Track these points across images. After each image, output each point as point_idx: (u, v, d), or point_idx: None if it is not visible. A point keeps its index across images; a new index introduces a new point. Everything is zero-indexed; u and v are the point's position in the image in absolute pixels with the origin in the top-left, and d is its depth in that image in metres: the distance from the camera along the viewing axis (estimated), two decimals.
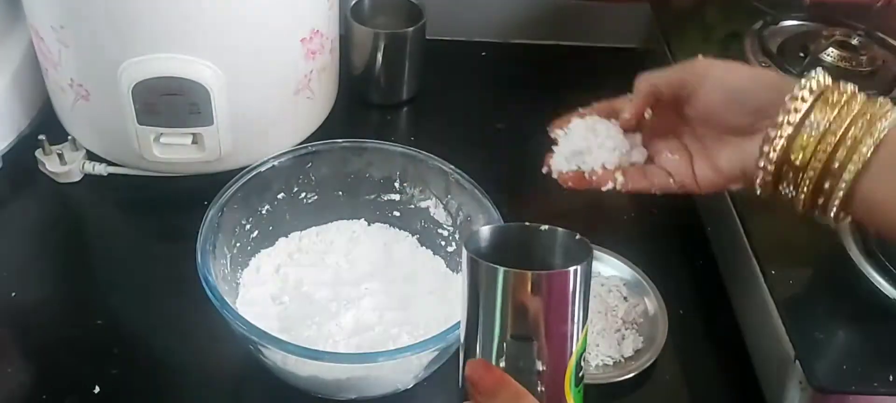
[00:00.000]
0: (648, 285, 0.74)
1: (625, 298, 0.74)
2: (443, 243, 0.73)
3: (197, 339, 0.68)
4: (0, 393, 0.64)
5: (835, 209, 0.48)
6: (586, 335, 0.44)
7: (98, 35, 0.72)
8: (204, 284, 0.58)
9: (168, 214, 0.81)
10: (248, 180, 0.67)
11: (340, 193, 0.73)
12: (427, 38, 0.95)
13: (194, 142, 0.77)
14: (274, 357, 0.59)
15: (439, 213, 0.72)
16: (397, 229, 0.74)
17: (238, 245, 0.68)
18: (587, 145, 0.59)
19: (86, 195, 0.82)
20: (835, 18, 0.97)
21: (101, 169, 0.81)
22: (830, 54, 0.89)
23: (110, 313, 0.70)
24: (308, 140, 0.85)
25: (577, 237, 0.46)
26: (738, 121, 0.52)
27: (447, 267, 0.72)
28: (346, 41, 0.93)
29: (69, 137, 0.81)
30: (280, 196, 0.70)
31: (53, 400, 0.63)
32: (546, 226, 0.47)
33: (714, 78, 0.53)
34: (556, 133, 0.60)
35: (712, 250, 0.79)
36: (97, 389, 0.64)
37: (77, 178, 0.82)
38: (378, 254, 0.73)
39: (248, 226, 0.69)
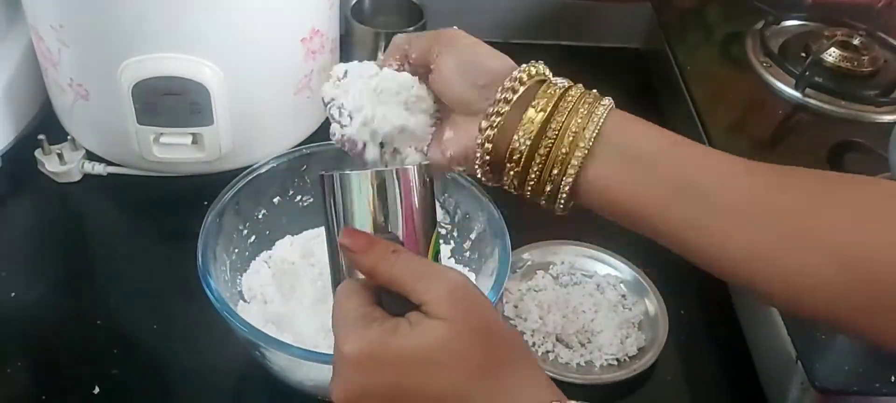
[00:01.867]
0: (648, 285, 0.74)
1: (624, 298, 0.74)
2: (441, 241, 0.73)
3: (197, 339, 0.68)
4: (0, 393, 0.64)
5: (564, 198, 0.48)
6: (437, 239, 0.47)
7: (98, 35, 0.72)
8: (205, 288, 0.58)
9: (168, 214, 0.81)
10: (244, 184, 0.67)
11: None
12: None
13: (194, 142, 0.77)
14: (274, 358, 0.59)
15: (437, 212, 0.72)
16: None
17: (237, 250, 0.68)
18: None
19: (85, 195, 0.81)
20: (836, 18, 0.97)
21: (100, 169, 0.81)
22: (832, 54, 0.89)
23: (110, 313, 0.70)
24: (308, 140, 0.85)
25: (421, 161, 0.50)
26: (467, 96, 0.50)
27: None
28: (346, 41, 0.93)
29: (69, 137, 0.81)
30: (275, 200, 0.70)
31: (53, 400, 0.63)
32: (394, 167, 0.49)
33: (457, 48, 0.51)
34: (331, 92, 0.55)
35: None
36: (97, 389, 0.64)
37: (77, 178, 0.81)
38: None
39: (245, 231, 0.68)
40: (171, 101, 0.73)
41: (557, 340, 0.70)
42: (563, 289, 0.74)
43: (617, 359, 0.69)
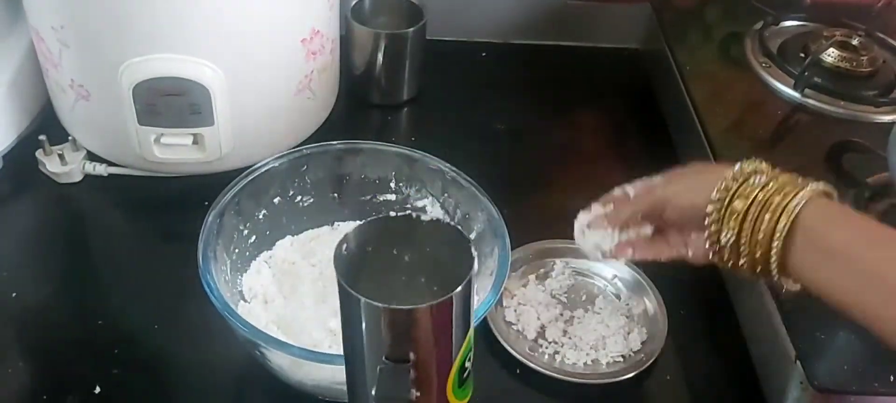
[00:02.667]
0: (648, 285, 0.74)
1: (623, 298, 0.74)
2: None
3: (197, 339, 0.68)
4: (0, 393, 0.64)
5: (776, 277, 0.54)
6: (471, 337, 0.43)
7: (98, 35, 0.72)
8: (206, 288, 0.58)
9: (168, 214, 0.81)
10: (244, 184, 0.67)
11: (336, 195, 0.73)
12: (427, 38, 0.94)
13: (195, 142, 0.77)
14: (274, 358, 0.59)
15: (436, 212, 0.72)
16: None
17: (237, 250, 0.68)
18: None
19: (86, 195, 0.81)
20: (835, 18, 0.97)
21: (101, 169, 0.81)
22: (831, 54, 0.89)
23: (111, 313, 0.70)
24: (308, 140, 0.85)
25: (460, 232, 0.44)
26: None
27: None
28: (346, 41, 0.93)
29: (69, 137, 0.81)
30: (276, 200, 0.70)
31: (53, 400, 0.63)
32: (427, 218, 0.45)
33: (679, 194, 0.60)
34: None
35: None
36: (97, 389, 0.64)
37: (77, 179, 0.82)
38: None
39: (245, 231, 0.68)
40: (172, 102, 0.73)
41: (556, 340, 0.70)
42: (562, 289, 0.74)
43: (616, 359, 0.69)
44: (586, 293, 0.74)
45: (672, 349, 0.71)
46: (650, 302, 0.73)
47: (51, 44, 0.75)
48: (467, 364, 0.44)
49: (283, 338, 0.59)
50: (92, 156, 0.82)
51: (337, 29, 0.88)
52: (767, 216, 0.53)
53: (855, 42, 0.90)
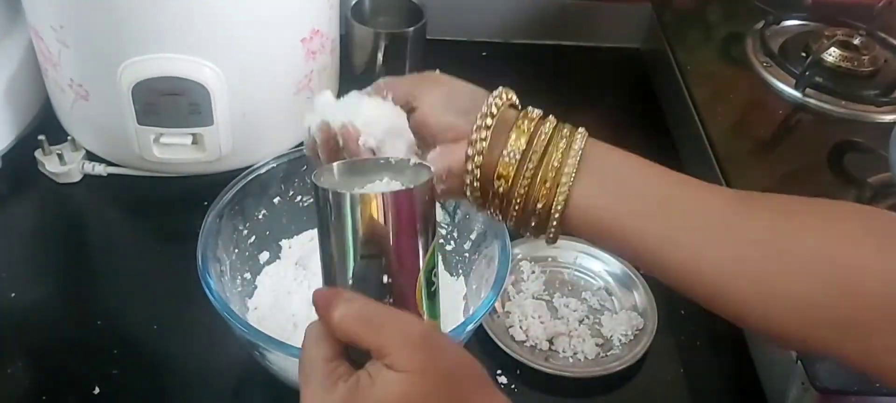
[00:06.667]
0: (637, 278, 0.74)
1: (613, 291, 0.75)
2: (441, 241, 0.73)
3: (197, 339, 0.68)
4: (0, 393, 0.64)
5: (555, 224, 0.50)
6: (434, 252, 0.46)
7: (98, 35, 0.72)
8: (205, 288, 0.58)
9: (168, 214, 0.81)
10: (244, 184, 0.67)
11: None
12: (427, 38, 0.94)
13: (194, 142, 0.77)
14: (274, 358, 0.59)
15: (436, 211, 0.72)
16: None
17: (237, 250, 0.68)
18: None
19: (85, 195, 0.81)
20: (837, 18, 0.97)
21: (100, 169, 0.81)
22: (832, 54, 0.89)
23: (110, 313, 0.70)
24: None
25: (417, 162, 0.49)
26: (451, 121, 0.53)
27: (445, 265, 0.72)
28: (346, 41, 0.93)
29: (69, 137, 0.81)
30: (276, 200, 0.70)
31: (53, 400, 0.63)
32: (394, 158, 0.49)
33: (439, 84, 0.55)
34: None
35: None
36: (97, 389, 0.64)
37: (77, 179, 0.81)
38: None
39: (245, 231, 0.68)
40: (171, 102, 0.73)
41: (548, 337, 0.70)
42: (553, 285, 0.75)
43: (607, 352, 0.70)
44: (577, 287, 0.75)
45: (673, 349, 0.71)
46: (639, 296, 0.74)
47: (50, 43, 0.75)
48: (434, 279, 0.46)
49: (282, 338, 0.58)
50: (91, 156, 0.82)
51: (337, 29, 0.87)
52: (555, 153, 0.49)
53: (856, 42, 0.90)
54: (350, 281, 0.44)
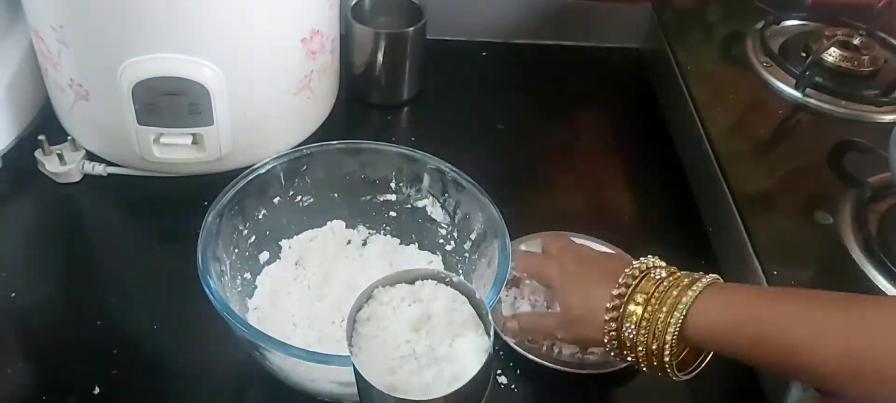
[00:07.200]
0: None
1: None
2: (441, 241, 0.73)
3: (197, 340, 0.68)
4: (0, 393, 0.64)
5: (669, 367, 0.58)
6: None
7: (98, 35, 0.72)
8: (205, 288, 0.58)
9: (168, 214, 0.81)
10: (244, 184, 0.67)
11: (336, 195, 0.73)
12: (427, 38, 0.94)
13: (194, 142, 0.77)
14: (274, 358, 0.59)
15: (437, 212, 0.72)
16: (396, 231, 0.74)
17: (237, 250, 0.68)
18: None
19: (85, 195, 0.81)
20: (837, 18, 0.97)
21: (100, 169, 0.81)
22: (832, 54, 0.89)
23: (110, 313, 0.70)
24: (308, 140, 0.85)
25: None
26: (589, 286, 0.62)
27: (445, 265, 0.72)
28: (346, 41, 0.93)
29: (69, 137, 0.81)
30: (276, 200, 0.70)
31: (53, 400, 0.63)
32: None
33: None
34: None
35: (714, 250, 0.79)
36: (97, 390, 0.64)
37: (77, 179, 0.81)
38: (378, 257, 0.73)
39: (245, 231, 0.68)
40: (171, 102, 0.73)
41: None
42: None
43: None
44: None
45: None
46: None
47: (50, 43, 0.75)
48: None
49: (282, 339, 0.58)
50: (91, 156, 0.82)
51: (337, 29, 0.87)
52: (669, 301, 0.56)
53: (856, 42, 0.90)
54: None
